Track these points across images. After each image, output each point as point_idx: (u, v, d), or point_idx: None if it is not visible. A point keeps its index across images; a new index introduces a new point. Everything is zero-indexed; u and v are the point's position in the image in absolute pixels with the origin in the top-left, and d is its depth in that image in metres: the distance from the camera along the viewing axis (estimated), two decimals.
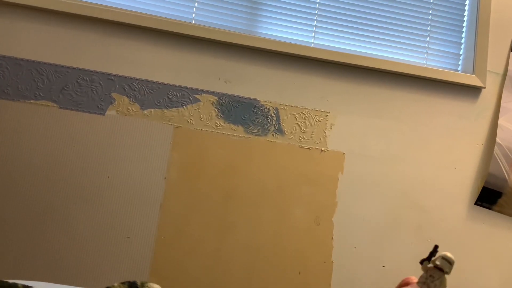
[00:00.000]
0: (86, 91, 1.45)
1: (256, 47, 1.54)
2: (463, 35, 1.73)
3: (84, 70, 1.46)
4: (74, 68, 1.45)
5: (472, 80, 1.66)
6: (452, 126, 1.65)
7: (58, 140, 1.42)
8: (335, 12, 1.66)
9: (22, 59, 1.43)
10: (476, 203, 1.62)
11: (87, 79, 1.45)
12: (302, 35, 1.63)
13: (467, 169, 1.64)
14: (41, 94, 1.43)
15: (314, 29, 1.64)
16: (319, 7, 1.65)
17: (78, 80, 1.45)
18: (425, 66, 1.67)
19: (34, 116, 1.41)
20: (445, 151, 1.64)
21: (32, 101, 1.42)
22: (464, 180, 1.64)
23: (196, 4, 1.57)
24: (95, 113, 1.45)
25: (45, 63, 1.44)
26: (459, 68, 1.72)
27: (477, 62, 1.67)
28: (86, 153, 1.43)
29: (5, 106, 1.40)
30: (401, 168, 1.60)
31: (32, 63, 1.43)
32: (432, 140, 1.63)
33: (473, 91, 1.69)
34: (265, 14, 1.62)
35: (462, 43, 1.73)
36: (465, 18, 1.74)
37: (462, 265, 1.59)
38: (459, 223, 1.61)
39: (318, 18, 1.65)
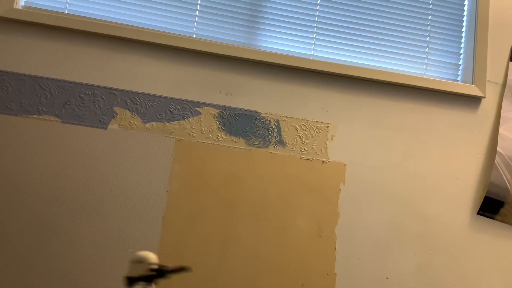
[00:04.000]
0: (88, 105, 1.46)
1: (256, 59, 1.55)
2: (462, 45, 1.75)
3: (86, 84, 1.47)
4: (76, 83, 1.47)
5: (471, 90, 1.66)
6: (452, 135, 1.66)
7: (61, 154, 1.43)
8: (334, 25, 1.67)
9: (25, 75, 1.45)
10: (478, 213, 1.62)
11: (90, 93, 1.47)
12: (301, 48, 1.64)
13: (468, 178, 1.64)
14: (43, 109, 1.44)
15: (313, 41, 1.65)
16: (318, 20, 1.67)
17: (81, 95, 1.46)
18: (424, 76, 1.69)
19: (37, 131, 1.43)
20: (446, 161, 1.64)
21: (35, 116, 1.43)
22: (466, 189, 1.63)
23: (196, 18, 1.59)
24: (98, 127, 1.46)
25: (47, 78, 1.45)
26: (459, 78, 1.73)
27: (476, 72, 1.68)
28: (88, 166, 1.44)
29: (8, 121, 1.41)
30: (403, 178, 1.60)
31: (34, 78, 1.45)
32: (433, 150, 1.64)
33: (473, 101, 1.69)
34: (265, 27, 1.63)
35: (461, 53, 1.74)
36: (464, 29, 1.76)
37: (465, 275, 1.58)
38: (462, 232, 1.61)
39: (317, 31, 1.66)
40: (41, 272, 1.37)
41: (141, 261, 0.47)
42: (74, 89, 1.46)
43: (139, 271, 0.47)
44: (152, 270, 0.49)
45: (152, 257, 0.48)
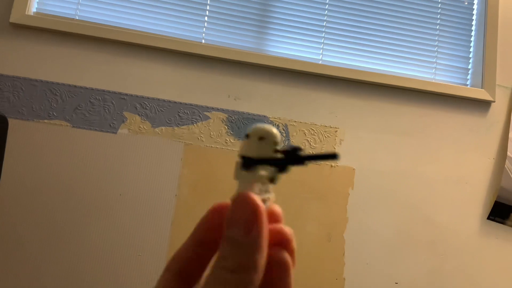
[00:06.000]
0: (98, 110, 1.48)
1: (264, 64, 1.56)
2: (471, 49, 1.74)
3: (97, 89, 1.48)
4: (87, 88, 1.48)
5: (481, 94, 1.65)
6: (462, 140, 1.65)
7: (71, 159, 1.44)
8: (343, 29, 1.68)
9: (36, 80, 1.46)
10: (488, 218, 1.61)
11: (100, 98, 1.48)
12: (310, 52, 1.65)
13: (478, 183, 1.63)
14: (54, 113, 1.45)
15: (322, 46, 1.66)
16: (327, 24, 1.67)
17: (91, 100, 1.48)
18: (433, 81, 1.68)
19: (47, 135, 1.44)
20: (455, 165, 1.63)
21: (46, 121, 1.45)
22: (476, 194, 1.62)
23: (205, 24, 1.60)
24: (108, 131, 1.47)
25: (58, 84, 1.47)
26: (468, 82, 1.72)
27: (486, 76, 1.67)
28: (98, 171, 1.45)
29: (20, 126, 1.43)
30: (412, 183, 1.59)
31: (46, 84, 1.46)
32: (442, 155, 1.63)
33: (483, 105, 1.68)
34: (273, 32, 1.64)
35: (471, 57, 1.73)
36: (473, 33, 1.75)
37: (476, 281, 1.57)
38: (472, 238, 1.59)
39: (325, 35, 1.66)
40: (52, 274, 1.38)
41: (265, 136, 0.30)
42: (85, 94, 1.48)
43: (263, 151, 0.30)
44: (281, 151, 0.31)
45: (277, 133, 0.30)
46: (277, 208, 0.31)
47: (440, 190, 1.60)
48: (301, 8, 1.66)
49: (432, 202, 1.59)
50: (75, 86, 1.48)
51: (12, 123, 1.43)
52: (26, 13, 1.47)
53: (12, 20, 1.45)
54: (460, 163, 1.63)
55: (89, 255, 1.41)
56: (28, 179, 1.41)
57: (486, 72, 1.67)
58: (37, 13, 1.52)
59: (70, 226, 1.41)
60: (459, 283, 1.56)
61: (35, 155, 1.43)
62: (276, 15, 1.65)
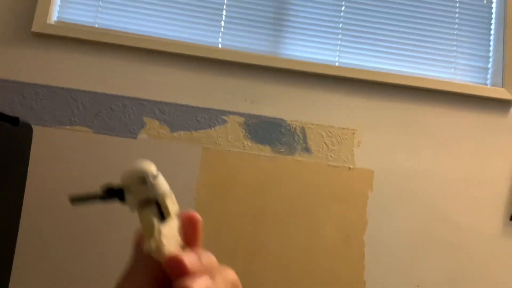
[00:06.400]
0: (118, 116, 1.50)
1: (281, 67, 1.56)
2: (491, 48, 1.71)
3: (117, 96, 1.51)
4: (107, 94, 1.51)
5: (501, 93, 1.63)
6: (482, 140, 1.62)
7: (93, 164, 1.47)
8: (359, 30, 1.67)
9: (58, 87, 1.50)
10: (511, 219, 1.58)
11: (120, 104, 1.51)
12: (326, 54, 1.64)
13: (500, 184, 1.60)
14: (76, 120, 1.48)
15: (338, 48, 1.65)
16: (343, 26, 1.66)
17: (111, 106, 1.50)
18: (453, 81, 1.66)
19: (69, 141, 1.47)
20: (476, 166, 1.60)
21: (67, 127, 1.48)
22: (497, 195, 1.59)
23: (222, 29, 1.62)
24: (128, 137, 1.49)
25: (79, 91, 1.50)
26: (488, 81, 1.69)
27: (506, 75, 1.64)
28: (118, 176, 1.46)
29: (42, 132, 1.46)
30: (432, 184, 1.57)
31: (67, 91, 1.50)
32: (462, 155, 1.61)
33: (503, 104, 1.65)
34: (290, 35, 1.64)
35: (490, 56, 1.71)
36: (492, 31, 1.72)
37: (498, 283, 1.54)
38: (494, 239, 1.57)
39: (342, 37, 1.66)
40: (75, 277, 1.41)
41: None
42: (105, 100, 1.50)
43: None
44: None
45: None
46: (196, 216, 0.31)
47: (461, 191, 1.58)
48: (317, 11, 1.66)
49: (453, 203, 1.57)
50: (95, 93, 1.50)
51: (35, 130, 1.46)
52: (47, 22, 1.51)
53: (34, 29, 1.49)
54: (481, 164, 1.61)
55: (108, 260, 1.43)
56: (51, 184, 1.44)
57: (506, 70, 1.64)
58: (57, 21, 1.56)
59: (92, 230, 1.44)
60: (482, 286, 1.53)
61: (58, 160, 1.46)
62: (292, 18, 1.65)
